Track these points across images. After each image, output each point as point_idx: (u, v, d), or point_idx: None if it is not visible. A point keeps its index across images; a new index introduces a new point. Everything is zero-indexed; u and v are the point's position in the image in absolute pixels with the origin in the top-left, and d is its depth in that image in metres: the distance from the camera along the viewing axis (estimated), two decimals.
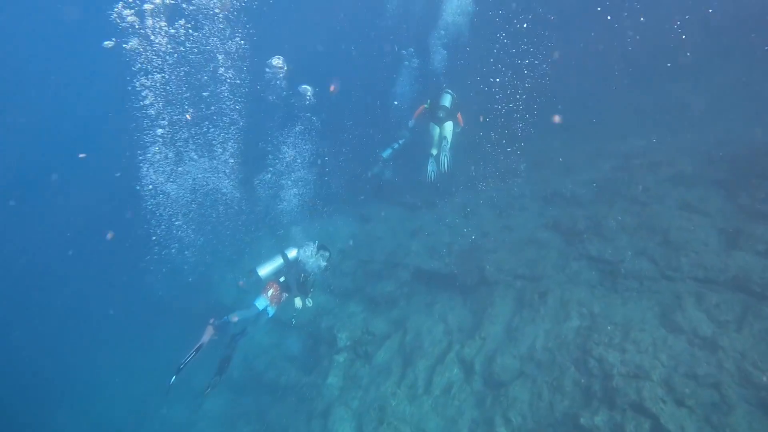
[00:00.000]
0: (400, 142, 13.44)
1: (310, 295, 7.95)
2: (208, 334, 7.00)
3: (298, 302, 7.79)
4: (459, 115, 10.71)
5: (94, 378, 16.39)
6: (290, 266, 7.89)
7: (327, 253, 8.27)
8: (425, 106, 10.77)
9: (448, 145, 10.48)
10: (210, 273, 15.20)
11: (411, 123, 11.78)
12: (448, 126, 10.51)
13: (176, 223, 12.16)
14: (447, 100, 10.40)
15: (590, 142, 14.65)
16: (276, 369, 10.58)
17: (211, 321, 7.09)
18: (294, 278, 7.73)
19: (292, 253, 8.04)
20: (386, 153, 13.46)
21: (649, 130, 13.52)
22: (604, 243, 9.00)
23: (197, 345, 6.85)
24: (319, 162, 13.99)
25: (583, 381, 6.77)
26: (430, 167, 10.49)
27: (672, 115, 13.40)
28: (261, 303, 7.74)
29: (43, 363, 18.23)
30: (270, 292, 7.79)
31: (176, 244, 12.97)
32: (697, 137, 11.55)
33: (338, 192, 14.59)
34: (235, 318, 7.24)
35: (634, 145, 12.70)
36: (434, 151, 10.68)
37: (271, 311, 7.81)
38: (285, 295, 7.90)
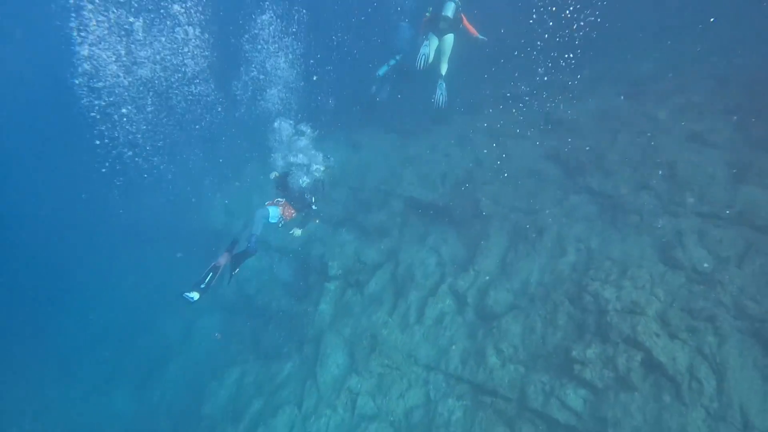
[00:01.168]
0: (397, 57, 12.61)
1: (309, 223, 7.58)
2: (224, 259, 6.66)
3: (297, 232, 7.50)
4: (469, 25, 9.86)
5: (91, 286, 16.54)
6: (288, 188, 7.47)
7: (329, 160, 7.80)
8: (426, 14, 9.93)
9: (445, 66, 9.86)
10: (199, 194, 14.91)
11: (421, 39, 10.76)
12: (449, 40, 9.78)
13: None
14: (450, 9, 9.38)
15: (595, 63, 14.01)
16: (267, 294, 10.62)
17: (228, 249, 6.75)
18: (300, 200, 7.32)
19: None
20: (382, 71, 12.68)
21: (661, 53, 12.89)
22: (606, 176, 8.79)
23: (213, 264, 6.53)
24: (314, 78, 13.05)
25: (577, 316, 6.83)
26: (439, 92, 9.90)
27: (687, 36, 12.72)
28: (274, 214, 7.30)
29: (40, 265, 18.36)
30: (283, 209, 7.39)
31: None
32: (709, 63, 11.03)
33: (327, 111, 13.86)
34: (253, 237, 6.80)
35: (642, 70, 12.16)
36: (443, 69, 9.97)
37: (278, 221, 7.38)
38: (294, 213, 7.51)
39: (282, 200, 7.39)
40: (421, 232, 9.68)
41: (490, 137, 11.53)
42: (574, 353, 6.34)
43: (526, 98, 12.64)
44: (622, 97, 11.10)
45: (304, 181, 7.36)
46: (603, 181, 8.72)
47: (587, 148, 9.61)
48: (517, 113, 12.71)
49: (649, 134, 9.23)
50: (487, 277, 8.08)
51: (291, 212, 7.41)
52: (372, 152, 12.13)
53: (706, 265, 6.52)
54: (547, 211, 8.69)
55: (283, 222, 7.34)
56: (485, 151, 10.92)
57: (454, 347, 7.41)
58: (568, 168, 9.46)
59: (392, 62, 12.44)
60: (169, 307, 13.18)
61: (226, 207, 13.53)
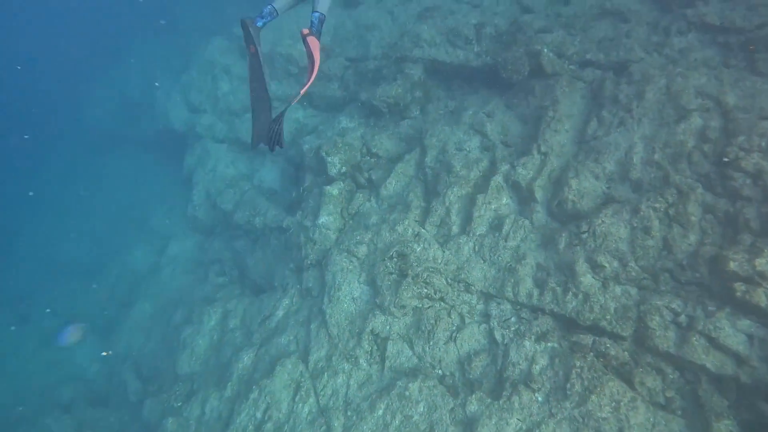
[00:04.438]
0: None
1: None
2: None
3: None
4: None
5: (48, 216, 14.15)
6: None
7: None
8: None
9: None
10: (153, 92, 12.10)
11: None
12: None
13: None
14: None
15: None
16: (248, 207, 8.29)
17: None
18: None
19: None
20: None
21: None
22: (728, 2, 6.14)
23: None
24: None
25: (722, 207, 4.56)
26: None
27: None
28: None
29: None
30: None
31: None
32: None
33: None
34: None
35: None
36: None
37: None
38: None
39: None
40: (454, 106, 7.20)
41: None
42: (732, 265, 4.13)
43: None
44: None
45: None
46: (723, 9, 6.10)
47: None
48: None
49: None
50: (562, 160, 5.72)
51: None
52: (373, 8, 9.20)
53: None
54: (640, 62, 6.15)
55: None
56: None
57: (523, 263, 5.22)
58: None
59: None
60: (136, 228, 10.95)
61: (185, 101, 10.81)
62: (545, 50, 6.60)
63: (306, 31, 3.90)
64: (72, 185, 14.09)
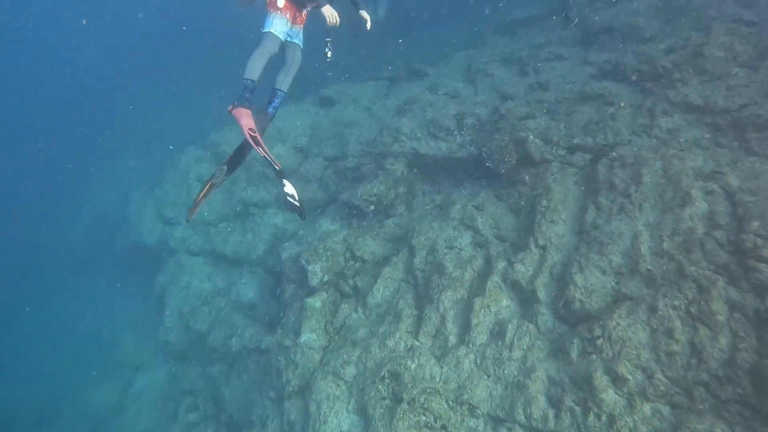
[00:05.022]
0: None
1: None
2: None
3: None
4: None
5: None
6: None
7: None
8: None
9: None
10: (127, 207, 11.75)
11: None
12: None
13: None
14: None
15: None
16: (224, 326, 7.65)
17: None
18: None
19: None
20: None
21: None
22: (709, 83, 6.05)
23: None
24: None
25: (751, 302, 4.05)
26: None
27: None
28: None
29: None
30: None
31: None
32: None
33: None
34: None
35: None
36: None
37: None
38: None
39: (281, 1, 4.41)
40: (441, 200, 6.86)
41: (508, 66, 8.72)
42: None
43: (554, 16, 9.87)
44: None
45: None
46: (704, 90, 5.99)
47: (662, 48, 6.87)
48: (537, 33, 9.93)
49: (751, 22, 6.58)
50: (562, 253, 5.26)
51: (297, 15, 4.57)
52: (350, 106, 9.18)
53: None
54: (629, 144, 5.92)
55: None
56: (510, 82, 8.10)
57: (533, 378, 4.58)
58: (640, 81, 6.71)
59: None
60: (102, 360, 10.02)
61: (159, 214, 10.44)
62: (531, 137, 6.39)
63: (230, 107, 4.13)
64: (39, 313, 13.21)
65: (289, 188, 3.91)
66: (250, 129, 3.99)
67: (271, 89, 4.46)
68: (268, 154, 3.93)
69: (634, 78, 6.92)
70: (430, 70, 9.67)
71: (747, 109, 5.59)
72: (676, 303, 4.28)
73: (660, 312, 4.31)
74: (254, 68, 4.21)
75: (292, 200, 3.84)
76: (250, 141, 3.97)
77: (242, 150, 4.28)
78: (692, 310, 4.21)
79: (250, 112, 4.14)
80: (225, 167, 4.17)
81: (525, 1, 12.28)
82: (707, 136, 5.63)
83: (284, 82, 4.46)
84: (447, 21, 13.01)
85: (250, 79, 4.18)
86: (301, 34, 4.67)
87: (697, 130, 5.80)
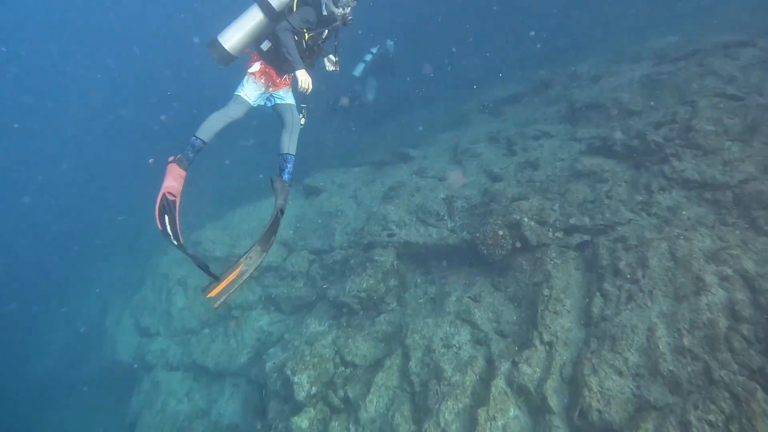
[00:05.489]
0: (373, 51, 10.00)
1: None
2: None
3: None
4: None
5: None
6: None
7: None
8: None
9: None
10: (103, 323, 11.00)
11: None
12: None
13: None
14: None
15: (604, 45, 11.67)
16: None
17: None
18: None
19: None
20: (358, 70, 9.99)
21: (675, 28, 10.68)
22: (703, 157, 5.84)
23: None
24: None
25: None
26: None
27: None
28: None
29: None
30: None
31: None
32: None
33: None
34: None
35: (667, 42, 9.70)
36: None
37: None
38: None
39: (256, 65, 4.10)
40: (435, 292, 6.42)
41: (495, 145, 8.61)
42: None
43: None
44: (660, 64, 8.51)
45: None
46: (699, 164, 5.77)
47: (650, 123, 6.75)
48: (522, 110, 9.98)
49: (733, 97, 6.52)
50: (571, 350, 4.77)
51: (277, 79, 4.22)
52: (335, 195, 8.95)
53: None
54: (629, 223, 5.60)
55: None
56: (499, 161, 7.93)
57: None
58: (633, 156, 6.52)
59: (368, 57, 9.86)
60: None
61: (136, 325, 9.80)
62: (525, 219, 6.08)
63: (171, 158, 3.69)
64: None
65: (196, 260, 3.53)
66: (169, 192, 3.49)
67: (279, 156, 4.01)
68: (170, 226, 3.44)
69: (625, 153, 6.75)
70: (415, 152, 9.57)
71: (748, 185, 5.32)
72: (711, 419, 3.72)
73: (694, 429, 3.74)
74: (209, 129, 3.78)
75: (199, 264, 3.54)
76: (158, 203, 3.44)
77: (274, 221, 3.77)
78: (732, 429, 3.63)
79: (184, 174, 3.66)
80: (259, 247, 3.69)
81: (506, 79, 12.56)
82: (711, 216, 5.32)
83: (290, 145, 4.02)
84: (427, 103, 13.21)
85: (201, 139, 3.72)
86: (290, 93, 4.35)
87: (698, 207, 5.50)
